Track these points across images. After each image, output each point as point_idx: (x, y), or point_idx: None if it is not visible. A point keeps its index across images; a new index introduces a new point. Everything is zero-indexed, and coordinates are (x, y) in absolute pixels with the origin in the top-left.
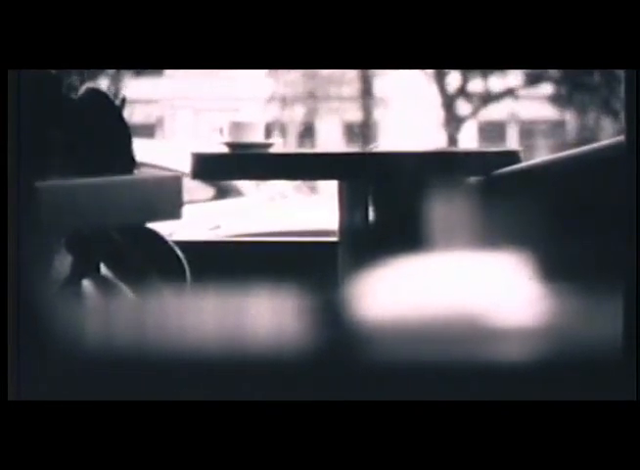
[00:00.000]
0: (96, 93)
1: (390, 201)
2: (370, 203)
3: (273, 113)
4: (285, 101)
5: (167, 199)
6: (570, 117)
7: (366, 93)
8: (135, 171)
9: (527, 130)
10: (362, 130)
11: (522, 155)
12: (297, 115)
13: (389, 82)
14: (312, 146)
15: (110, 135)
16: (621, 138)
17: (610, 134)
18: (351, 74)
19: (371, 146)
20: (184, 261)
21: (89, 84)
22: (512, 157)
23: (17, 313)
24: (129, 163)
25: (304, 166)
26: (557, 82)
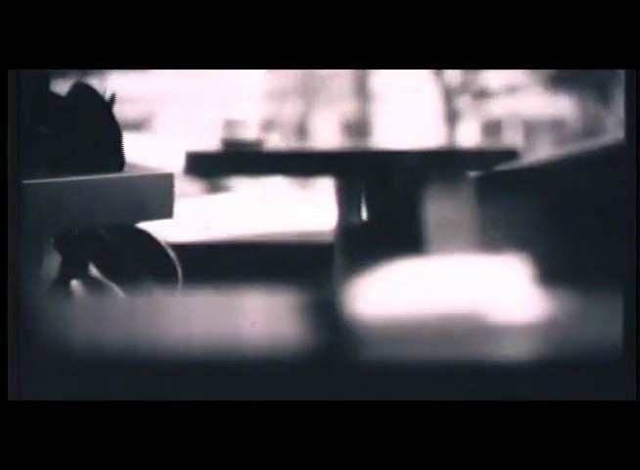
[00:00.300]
0: (84, 89)
1: (387, 199)
2: (366, 201)
3: (267, 109)
4: (279, 96)
5: (158, 197)
6: (573, 114)
7: (363, 88)
8: (125, 169)
9: (530, 127)
10: (358, 127)
11: (520, 152)
12: (291, 110)
13: (387, 78)
14: (307, 143)
15: (98, 132)
16: (618, 138)
17: (613, 131)
18: (348, 70)
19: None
20: (176, 262)
21: (77, 80)
22: (510, 154)
23: (16, 313)
24: (119, 160)
25: (299, 163)
26: (560, 78)
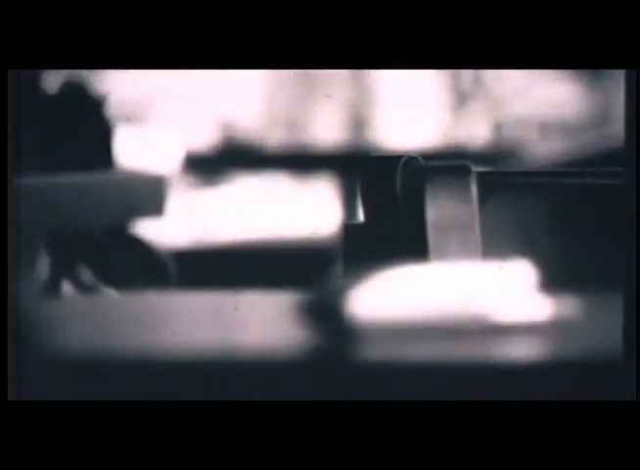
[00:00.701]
0: (75, 87)
1: (389, 199)
2: (367, 201)
3: (265, 106)
4: (278, 93)
5: (150, 196)
6: (582, 117)
7: (364, 85)
8: (116, 167)
9: (536, 126)
10: (360, 124)
11: (523, 152)
12: (290, 107)
13: (389, 75)
14: (308, 141)
15: (89, 130)
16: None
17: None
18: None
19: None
20: (169, 264)
21: (68, 78)
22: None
23: (16, 313)
24: (109, 158)
25: (298, 162)
26: (569, 80)
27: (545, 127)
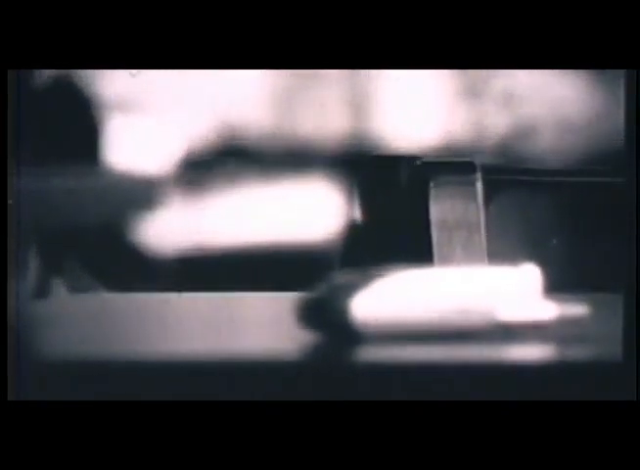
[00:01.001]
0: (74, 86)
1: (389, 199)
2: (368, 201)
3: (265, 106)
4: (278, 94)
5: (147, 196)
6: (586, 115)
7: (364, 85)
8: (113, 166)
9: (552, 130)
10: (361, 124)
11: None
12: (290, 108)
13: (389, 75)
14: (307, 142)
15: (88, 130)
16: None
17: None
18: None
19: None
20: (166, 266)
21: (67, 77)
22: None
23: (15, 313)
24: (107, 158)
25: (298, 161)
26: (577, 80)
27: (548, 126)
